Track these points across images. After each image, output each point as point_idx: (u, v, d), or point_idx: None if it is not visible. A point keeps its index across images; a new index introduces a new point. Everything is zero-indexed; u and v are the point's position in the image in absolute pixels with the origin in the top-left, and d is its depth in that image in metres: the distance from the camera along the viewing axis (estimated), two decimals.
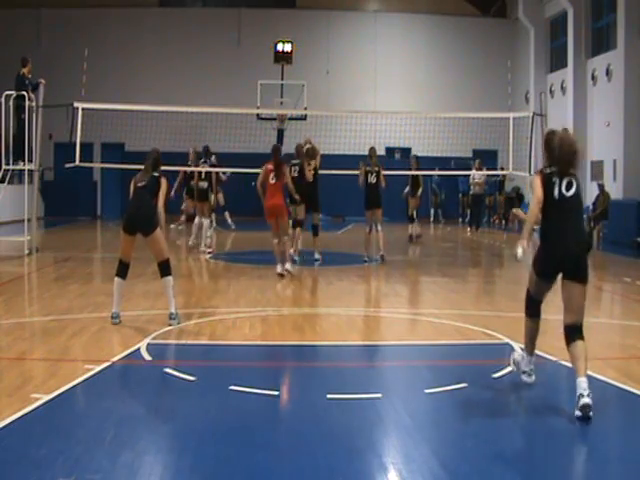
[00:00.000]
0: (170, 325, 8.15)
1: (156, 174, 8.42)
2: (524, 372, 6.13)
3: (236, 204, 25.80)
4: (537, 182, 5.73)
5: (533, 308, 6.26)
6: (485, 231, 23.91)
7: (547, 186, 5.66)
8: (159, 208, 8.29)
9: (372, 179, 14.54)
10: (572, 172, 5.76)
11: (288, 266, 12.19)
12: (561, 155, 5.69)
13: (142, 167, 8.58)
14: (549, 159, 5.81)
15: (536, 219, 5.73)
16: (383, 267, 14.19)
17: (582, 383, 5.36)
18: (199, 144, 18.33)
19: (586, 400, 5.21)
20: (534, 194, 5.76)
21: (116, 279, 8.37)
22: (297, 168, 13.92)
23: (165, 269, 8.31)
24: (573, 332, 5.87)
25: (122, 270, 8.37)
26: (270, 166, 11.91)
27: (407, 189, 19.80)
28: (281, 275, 11.96)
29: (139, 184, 8.39)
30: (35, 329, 8.17)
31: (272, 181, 11.88)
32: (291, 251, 13.55)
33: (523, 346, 6.33)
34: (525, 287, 6.28)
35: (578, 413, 5.21)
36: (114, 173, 26.52)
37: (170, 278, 8.32)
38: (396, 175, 20.49)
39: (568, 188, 5.69)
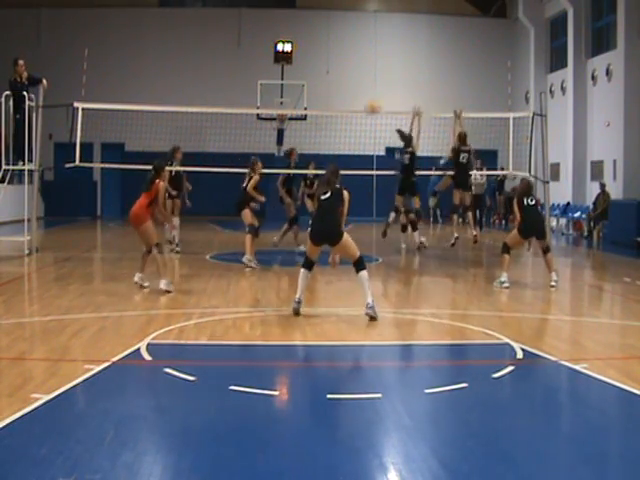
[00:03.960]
0: (369, 316, 8.65)
1: (338, 185, 8.93)
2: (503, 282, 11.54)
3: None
4: (516, 204, 11.86)
5: (509, 249, 11.84)
6: (485, 231, 23.90)
7: (522, 203, 11.72)
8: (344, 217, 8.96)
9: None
10: (532, 194, 11.97)
11: (163, 285, 10.51)
12: (523, 188, 11.99)
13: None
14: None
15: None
16: (383, 267, 14.19)
17: (554, 275, 11.65)
18: (200, 144, 18.36)
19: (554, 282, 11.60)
20: (515, 211, 11.90)
21: (305, 270, 8.85)
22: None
23: (361, 264, 8.85)
24: (546, 250, 11.78)
25: (310, 264, 8.91)
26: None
27: None
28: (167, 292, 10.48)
29: (322, 197, 8.91)
30: (35, 329, 8.16)
31: (143, 192, 10.83)
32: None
33: (505, 272, 11.61)
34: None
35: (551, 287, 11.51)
36: (114, 173, 26.56)
37: (365, 272, 8.83)
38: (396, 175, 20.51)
39: (531, 201, 11.72)
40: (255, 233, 13.44)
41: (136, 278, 10.91)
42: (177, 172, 15.77)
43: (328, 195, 8.90)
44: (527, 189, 12.18)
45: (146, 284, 10.80)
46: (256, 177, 13.57)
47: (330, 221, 8.83)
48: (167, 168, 15.52)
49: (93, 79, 20.98)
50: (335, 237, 8.81)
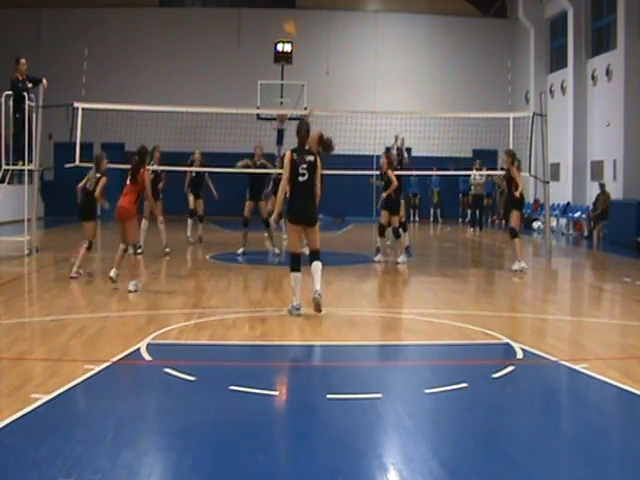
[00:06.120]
0: (316, 302, 8.71)
1: (312, 158, 8.83)
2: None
3: (235, 204, 25.77)
4: (518, 171, 13.69)
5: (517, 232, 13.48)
6: (485, 231, 23.92)
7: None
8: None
9: None
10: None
11: (131, 286, 10.42)
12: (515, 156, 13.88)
13: None
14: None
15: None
16: (383, 267, 14.19)
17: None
18: (200, 144, 18.36)
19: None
20: (518, 180, 13.44)
21: (296, 274, 8.80)
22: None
23: (318, 256, 8.94)
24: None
25: (298, 263, 8.85)
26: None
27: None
28: (112, 279, 10.71)
29: (300, 179, 8.78)
30: (35, 329, 8.17)
31: (127, 182, 10.91)
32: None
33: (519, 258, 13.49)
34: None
35: None
36: (114, 173, 26.48)
37: (320, 263, 8.90)
38: (396, 175, 20.51)
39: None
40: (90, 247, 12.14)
41: (112, 273, 10.77)
42: (156, 172, 15.45)
43: (307, 177, 8.81)
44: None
45: (116, 285, 10.63)
46: (104, 179, 12.00)
47: (312, 204, 8.92)
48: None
49: (93, 79, 20.98)
50: (314, 218, 8.95)
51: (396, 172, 14.88)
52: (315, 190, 8.96)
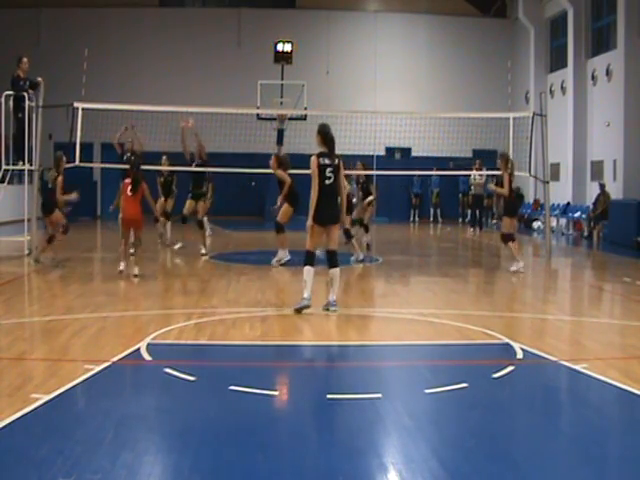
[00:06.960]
0: (327, 310, 8.99)
1: (336, 161, 9.03)
2: None
3: (235, 204, 25.78)
4: (509, 177, 13.18)
5: (512, 236, 13.28)
6: (485, 231, 23.91)
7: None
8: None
9: None
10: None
11: (136, 270, 11.77)
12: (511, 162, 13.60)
13: None
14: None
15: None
16: (383, 267, 14.19)
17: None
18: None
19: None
20: (506, 186, 13.26)
21: (309, 268, 8.96)
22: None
23: (336, 259, 9.08)
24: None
25: (313, 260, 9.03)
26: (127, 180, 11.93)
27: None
28: (121, 272, 11.83)
29: (327, 182, 8.96)
30: (35, 329, 8.17)
31: (129, 194, 11.86)
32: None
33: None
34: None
35: None
36: (114, 173, 26.50)
37: (338, 270, 9.11)
38: (396, 175, 20.57)
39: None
40: (65, 231, 13.64)
41: (122, 267, 11.91)
42: None
43: (332, 180, 8.98)
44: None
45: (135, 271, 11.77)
46: (60, 178, 13.17)
47: (336, 205, 9.16)
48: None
49: (93, 79, 20.91)
50: (338, 218, 9.20)
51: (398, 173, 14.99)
52: (340, 191, 9.13)
